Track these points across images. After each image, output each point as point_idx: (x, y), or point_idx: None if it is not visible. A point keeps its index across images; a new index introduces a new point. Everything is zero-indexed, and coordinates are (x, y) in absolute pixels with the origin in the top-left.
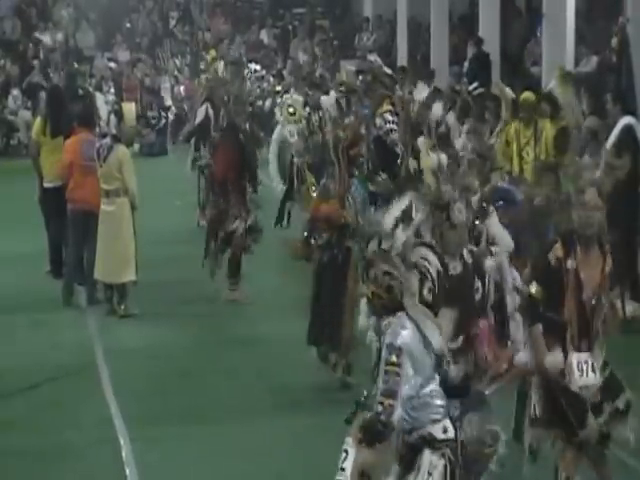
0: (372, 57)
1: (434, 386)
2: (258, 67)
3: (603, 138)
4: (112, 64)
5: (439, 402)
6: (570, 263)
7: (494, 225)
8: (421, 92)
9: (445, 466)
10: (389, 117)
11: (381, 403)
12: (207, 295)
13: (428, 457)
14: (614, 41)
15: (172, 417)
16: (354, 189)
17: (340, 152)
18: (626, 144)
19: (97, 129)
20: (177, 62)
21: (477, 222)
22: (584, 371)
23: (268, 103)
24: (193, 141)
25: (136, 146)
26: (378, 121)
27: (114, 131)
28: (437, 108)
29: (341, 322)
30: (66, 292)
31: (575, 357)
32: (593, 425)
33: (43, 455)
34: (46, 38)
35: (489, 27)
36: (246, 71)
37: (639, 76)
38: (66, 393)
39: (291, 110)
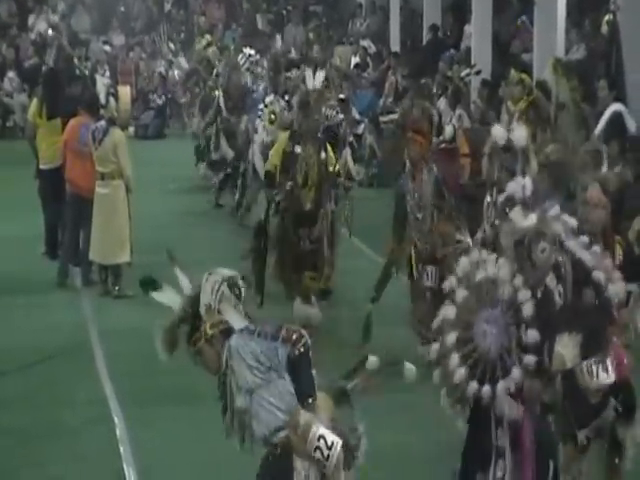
0: (365, 43)
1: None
2: (252, 52)
3: (593, 125)
4: (107, 48)
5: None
6: None
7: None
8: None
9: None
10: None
11: (284, 340)
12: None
13: (300, 463)
14: (604, 29)
15: (166, 397)
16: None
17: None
18: (614, 131)
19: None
20: (171, 46)
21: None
22: (594, 373)
23: (262, 87)
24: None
25: (131, 129)
26: (328, 112)
27: (115, 114)
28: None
29: None
30: (61, 274)
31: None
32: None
33: (38, 433)
34: (42, 22)
35: (482, 13)
36: (240, 56)
37: (628, 64)
38: (61, 373)
39: (272, 117)
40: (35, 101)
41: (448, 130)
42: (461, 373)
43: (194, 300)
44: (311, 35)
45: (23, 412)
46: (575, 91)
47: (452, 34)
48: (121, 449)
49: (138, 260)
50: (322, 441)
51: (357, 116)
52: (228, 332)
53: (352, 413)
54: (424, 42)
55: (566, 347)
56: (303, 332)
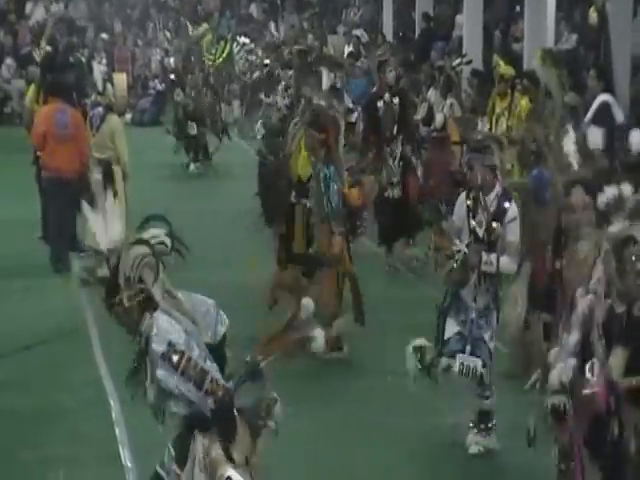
0: (359, 32)
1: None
2: (247, 40)
3: (582, 114)
4: (104, 35)
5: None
6: (557, 263)
7: (513, 234)
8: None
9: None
10: None
11: (207, 393)
12: (194, 262)
13: (200, 441)
14: (593, 17)
15: None
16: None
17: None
18: (602, 121)
19: (92, 98)
20: (167, 34)
21: (494, 224)
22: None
23: (256, 76)
24: None
25: (128, 116)
26: None
27: (113, 100)
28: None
29: None
30: (54, 259)
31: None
32: None
33: (35, 415)
34: (39, 9)
35: (473, 3)
36: (235, 44)
37: (616, 54)
38: (58, 356)
39: None
40: (32, 88)
41: (438, 119)
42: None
43: (113, 268)
44: (305, 24)
45: (20, 394)
46: (563, 80)
47: (444, 24)
48: (116, 430)
49: None
50: None
51: (350, 104)
52: (147, 301)
53: (265, 387)
54: (417, 31)
55: (614, 359)
56: (227, 386)
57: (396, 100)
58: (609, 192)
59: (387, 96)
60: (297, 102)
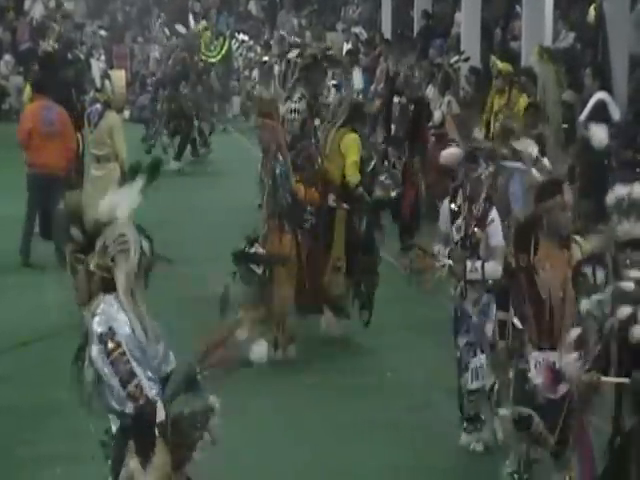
0: (357, 29)
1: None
2: (246, 37)
3: (578, 111)
4: (102, 32)
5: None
6: (523, 260)
7: (496, 238)
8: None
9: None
10: None
11: (129, 395)
12: (187, 256)
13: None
14: (590, 16)
15: None
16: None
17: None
18: (598, 119)
19: (90, 95)
20: (166, 31)
21: (476, 229)
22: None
23: (255, 73)
24: None
25: (126, 113)
26: None
27: (111, 97)
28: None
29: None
30: (24, 251)
31: (533, 356)
32: (539, 427)
33: (33, 411)
34: (38, 5)
35: (472, 1)
36: (234, 41)
37: (614, 52)
38: (56, 351)
39: None
40: (30, 84)
41: (436, 115)
42: None
43: (97, 225)
44: (303, 22)
45: (17, 391)
46: (561, 76)
47: (443, 21)
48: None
49: None
50: None
51: None
52: (109, 283)
53: (204, 396)
54: (415, 29)
55: None
56: (152, 399)
57: (412, 107)
58: (620, 190)
59: (404, 98)
60: (314, 103)
